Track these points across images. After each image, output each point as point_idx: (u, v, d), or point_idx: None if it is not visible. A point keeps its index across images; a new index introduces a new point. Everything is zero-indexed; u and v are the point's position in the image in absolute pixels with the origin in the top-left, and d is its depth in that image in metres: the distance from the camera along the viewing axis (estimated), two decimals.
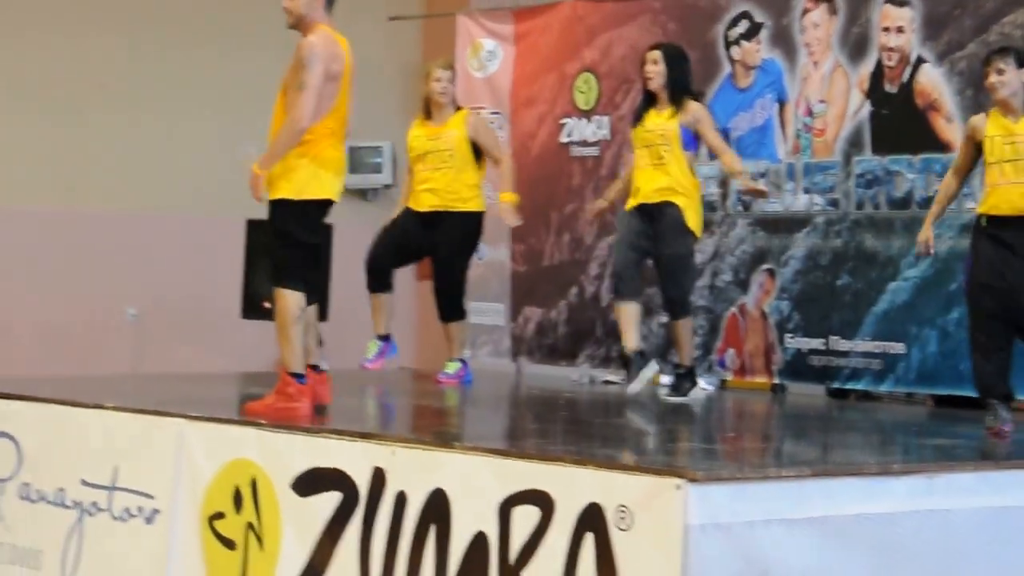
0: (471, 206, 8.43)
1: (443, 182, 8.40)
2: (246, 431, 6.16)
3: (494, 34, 10.37)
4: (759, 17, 9.01)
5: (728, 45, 9.17)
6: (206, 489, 6.16)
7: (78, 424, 6.73)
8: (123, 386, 8.24)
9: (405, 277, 8.98)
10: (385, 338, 8.45)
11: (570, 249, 9.88)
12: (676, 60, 8.10)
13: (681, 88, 8.02)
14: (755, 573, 4.77)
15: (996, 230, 6.70)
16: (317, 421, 6.45)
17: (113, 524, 6.45)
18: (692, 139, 8.02)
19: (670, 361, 8.49)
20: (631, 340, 7.97)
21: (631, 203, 8.09)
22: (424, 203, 8.43)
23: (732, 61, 9.16)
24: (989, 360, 6.65)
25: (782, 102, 8.91)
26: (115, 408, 6.63)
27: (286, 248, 6.54)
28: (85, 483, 6.58)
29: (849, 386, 8.56)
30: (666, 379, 9.02)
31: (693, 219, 7.96)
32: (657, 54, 8.07)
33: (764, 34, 8.99)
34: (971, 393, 7.57)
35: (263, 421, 6.25)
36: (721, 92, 9.17)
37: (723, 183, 9.13)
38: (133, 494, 6.42)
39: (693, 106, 8.00)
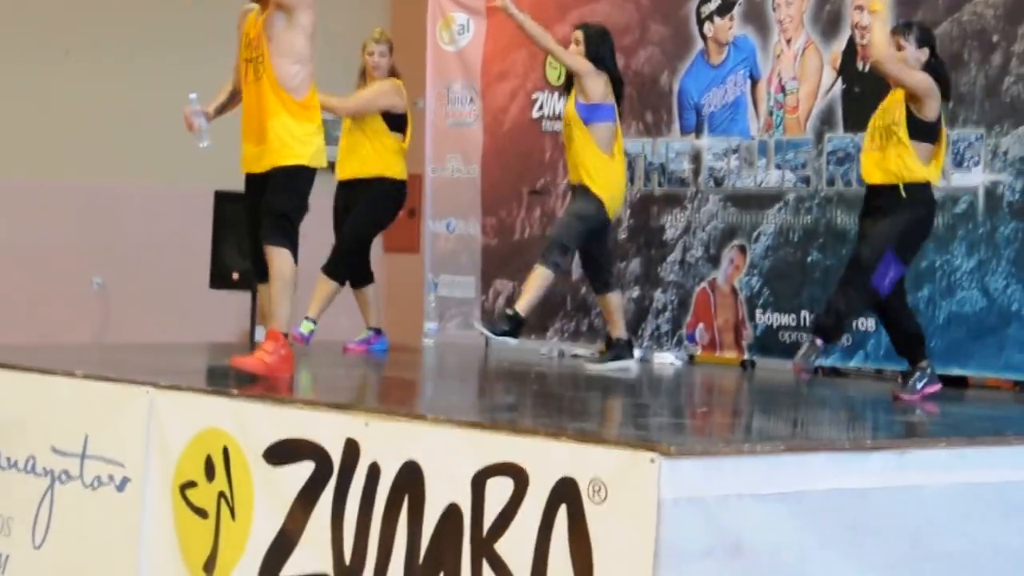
0: (389, 173, 8.63)
1: (363, 150, 8.62)
2: (218, 400, 6.15)
3: (465, 8, 10.35)
4: None
5: (701, 21, 9.18)
6: (177, 458, 6.15)
7: (48, 392, 6.71)
8: (92, 355, 8.24)
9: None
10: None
11: (541, 223, 9.90)
12: (595, 39, 8.25)
13: (601, 67, 8.18)
14: (727, 547, 4.77)
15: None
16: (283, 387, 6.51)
17: (84, 492, 6.44)
18: (610, 110, 8.15)
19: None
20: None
21: None
22: (346, 171, 8.68)
23: (705, 38, 9.17)
24: None
25: (754, 79, 8.94)
26: (86, 376, 6.61)
27: (294, 211, 6.63)
28: (56, 451, 6.56)
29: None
30: (635, 352, 9.11)
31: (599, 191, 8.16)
32: (579, 34, 8.25)
33: (737, 11, 9.01)
34: (940, 370, 7.67)
35: (255, 374, 6.39)
36: (693, 68, 9.19)
37: (695, 159, 9.17)
38: (104, 462, 6.40)
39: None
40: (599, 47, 8.26)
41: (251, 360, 6.57)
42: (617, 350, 8.37)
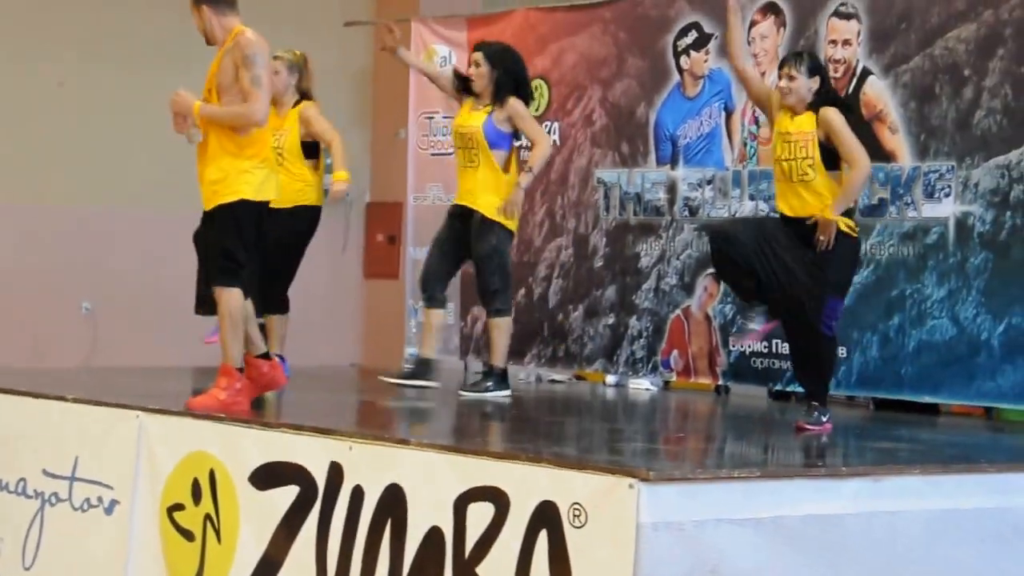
0: (300, 200, 8.32)
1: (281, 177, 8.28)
2: (205, 424, 6.24)
3: (448, 40, 10.47)
4: (708, 28, 9.13)
5: (677, 55, 9.29)
6: (165, 481, 6.24)
7: (39, 415, 6.80)
8: (82, 378, 8.29)
9: (354, 273, 9.04)
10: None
11: (519, 251, 9.97)
12: (499, 59, 8.09)
13: (506, 88, 8.01)
14: (705, 571, 4.84)
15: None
16: (268, 412, 6.57)
17: (73, 514, 6.53)
18: (508, 138, 8.03)
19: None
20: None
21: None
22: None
23: (681, 70, 9.28)
24: None
25: (729, 111, 9.04)
26: (76, 400, 6.71)
27: (236, 247, 6.59)
28: (46, 473, 6.66)
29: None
30: (611, 378, 9.19)
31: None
32: (478, 56, 8.10)
33: (713, 45, 9.10)
34: (911, 397, 7.79)
35: (214, 413, 6.34)
36: (670, 100, 9.31)
37: (670, 189, 9.28)
38: (93, 485, 6.49)
39: (510, 101, 8.01)
40: (511, 65, 8.09)
41: (205, 399, 6.57)
42: (495, 377, 8.09)
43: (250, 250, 6.66)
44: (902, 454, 6.35)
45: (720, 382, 9.03)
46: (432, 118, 10.45)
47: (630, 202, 9.45)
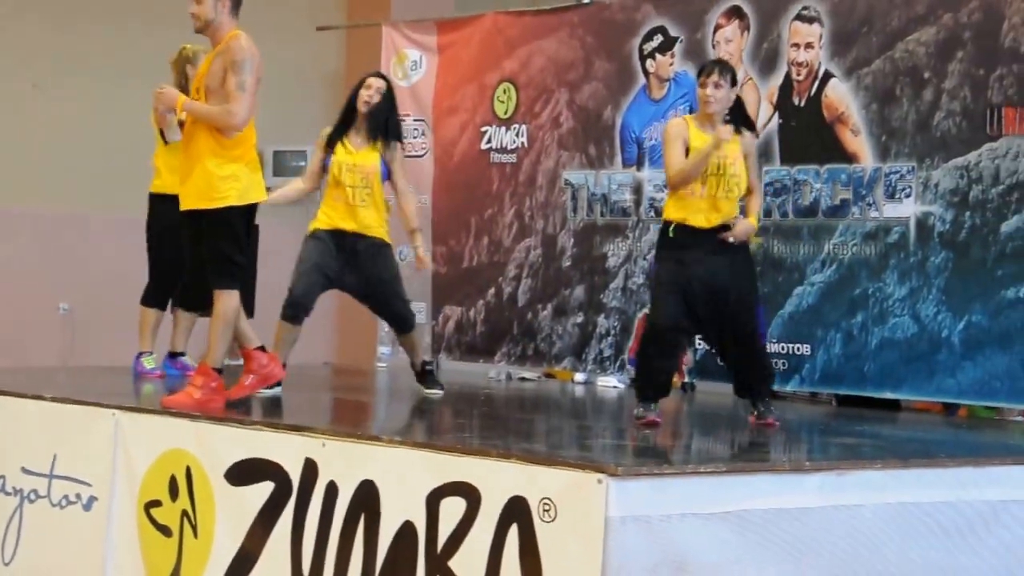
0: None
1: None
2: (181, 422, 6.29)
3: (418, 44, 10.51)
4: (673, 32, 9.23)
5: (643, 58, 9.37)
6: (142, 478, 6.29)
7: (18, 413, 6.83)
8: (60, 378, 8.32)
9: None
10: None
11: (489, 251, 10.04)
12: (391, 93, 7.96)
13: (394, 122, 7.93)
14: (672, 564, 4.91)
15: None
16: (243, 410, 6.62)
17: (52, 511, 6.57)
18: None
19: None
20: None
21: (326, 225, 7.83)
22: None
23: (647, 73, 9.36)
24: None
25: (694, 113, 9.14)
26: (54, 399, 6.74)
27: (233, 251, 6.66)
28: (25, 471, 6.69)
29: None
30: (579, 376, 9.27)
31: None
32: (381, 84, 7.89)
33: (678, 48, 9.20)
34: (873, 393, 7.89)
35: (189, 411, 6.40)
36: (636, 103, 9.39)
37: (636, 190, 9.37)
38: (71, 482, 6.53)
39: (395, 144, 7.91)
40: (394, 101, 7.97)
41: (180, 397, 6.63)
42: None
43: (245, 251, 6.75)
44: (864, 449, 6.43)
45: (686, 379, 9.12)
46: (403, 121, 10.51)
47: (597, 203, 9.53)
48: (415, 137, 10.38)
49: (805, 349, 8.54)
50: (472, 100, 10.24)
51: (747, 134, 7.10)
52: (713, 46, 9.04)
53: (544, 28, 9.91)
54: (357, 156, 7.80)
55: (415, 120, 10.39)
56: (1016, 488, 5.88)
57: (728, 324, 6.93)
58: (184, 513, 6.14)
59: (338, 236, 7.75)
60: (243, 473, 5.97)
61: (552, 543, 4.92)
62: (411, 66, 10.45)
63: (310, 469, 5.75)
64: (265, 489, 5.87)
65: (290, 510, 5.78)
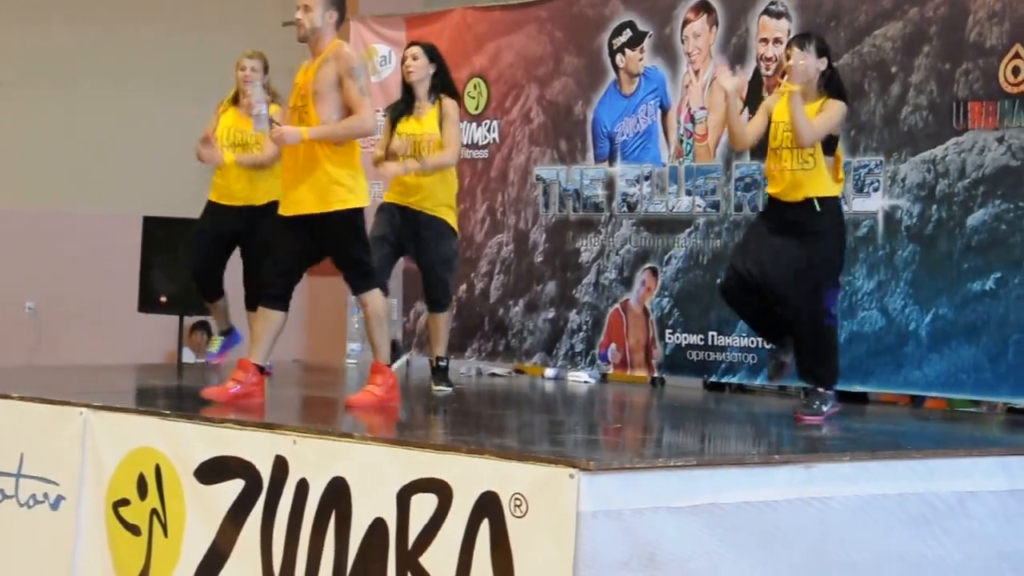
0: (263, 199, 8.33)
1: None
2: (150, 420, 6.28)
3: (387, 40, 10.51)
4: (642, 27, 9.25)
5: (613, 53, 9.40)
6: (111, 477, 6.28)
7: None
8: (26, 376, 8.29)
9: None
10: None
11: (461, 247, 10.04)
12: (437, 56, 8.12)
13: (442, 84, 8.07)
14: (643, 558, 4.92)
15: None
16: (213, 407, 6.62)
17: (20, 510, 6.55)
18: None
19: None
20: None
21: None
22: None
23: (617, 68, 9.38)
24: None
25: (665, 108, 9.15)
26: (21, 398, 6.72)
27: (367, 251, 6.84)
28: None
29: (725, 379, 8.84)
30: (550, 372, 9.27)
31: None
32: (416, 50, 8.08)
33: (647, 43, 9.22)
34: (841, 387, 7.90)
35: (369, 407, 6.64)
36: (606, 98, 9.41)
37: (608, 185, 9.40)
38: (39, 481, 6.51)
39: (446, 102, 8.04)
40: (442, 64, 8.12)
41: (363, 396, 6.82)
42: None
43: (370, 251, 6.91)
44: (833, 441, 6.47)
45: (656, 374, 9.15)
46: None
47: (569, 198, 9.55)
48: None
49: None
50: None
51: (833, 103, 7.04)
52: (682, 41, 9.07)
53: (513, 23, 9.92)
54: (415, 125, 7.96)
55: (383, 115, 10.36)
56: (983, 479, 5.92)
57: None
58: (153, 512, 6.13)
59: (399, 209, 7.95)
60: (213, 471, 5.96)
61: (524, 538, 4.92)
62: (380, 61, 10.45)
63: (280, 467, 5.74)
64: (235, 487, 5.87)
65: (260, 508, 5.77)
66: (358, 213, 6.78)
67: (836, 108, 7.02)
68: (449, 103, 7.99)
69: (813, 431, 6.77)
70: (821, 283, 7.04)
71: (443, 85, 8.06)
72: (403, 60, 8.13)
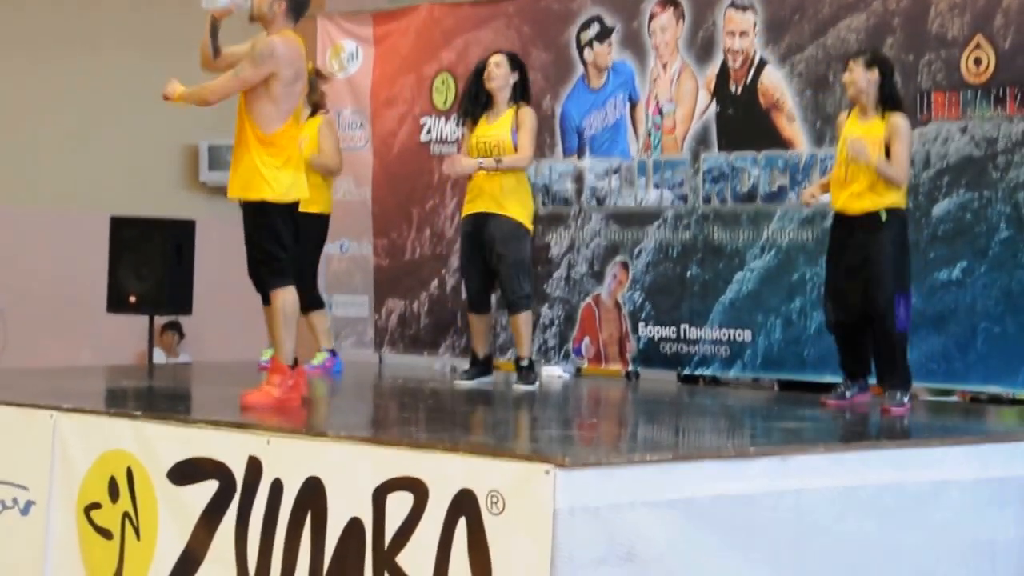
0: (314, 208, 8.46)
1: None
2: (120, 422, 6.21)
3: (354, 36, 10.50)
4: (610, 21, 9.28)
5: (581, 48, 9.42)
6: (82, 480, 6.22)
7: None
8: None
9: None
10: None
11: (431, 244, 10.06)
12: (520, 64, 8.29)
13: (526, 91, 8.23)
14: (621, 553, 4.92)
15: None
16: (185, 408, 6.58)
17: None
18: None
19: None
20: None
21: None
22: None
23: (585, 63, 9.41)
24: None
25: (633, 102, 9.18)
26: None
27: (278, 248, 6.67)
28: None
29: (699, 372, 8.87)
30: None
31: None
32: (500, 58, 8.21)
33: (615, 37, 9.25)
34: (813, 378, 7.95)
35: (266, 407, 6.47)
36: (575, 92, 9.43)
37: (578, 179, 9.40)
38: (8, 486, 6.44)
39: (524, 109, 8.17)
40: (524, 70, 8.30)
41: (258, 394, 6.67)
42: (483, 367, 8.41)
43: (289, 249, 6.74)
44: (807, 433, 6.49)
45: (630, 368, 9.17)
46: (340, 114, 10.49)
47: (539, 193, 9.54)
48: (354, 129, 10.36)
49: (746, 335, 8.62)
50: (410, 91, 10.26)
51: (893, 117, 7.16)
52: (650, 35, 9.10)
53: (480, 18, 9.92)
54: (490, 130, 8.09)
55: (353, 112, 10.36)
56: (956, 468, 5.93)
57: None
58: (125, 515, 6.08)
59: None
60: (186, 472, 5.92)
61: (501, 536, 4.91)
62: (348, 58, 10.44)
63: (254, 467, 5.71)
64: (209, 488, 5.82)
65: (234, 509, 5.73)
66: (274, 208, 6.63)
67: (902, 129, 7.16)
68: (527, 111, 8.13)
69: (787, 423, 6.78)
70: (892, 290, 7.17)
71: (523, 93, 8.17)
72: (486, 66, 8.21)
